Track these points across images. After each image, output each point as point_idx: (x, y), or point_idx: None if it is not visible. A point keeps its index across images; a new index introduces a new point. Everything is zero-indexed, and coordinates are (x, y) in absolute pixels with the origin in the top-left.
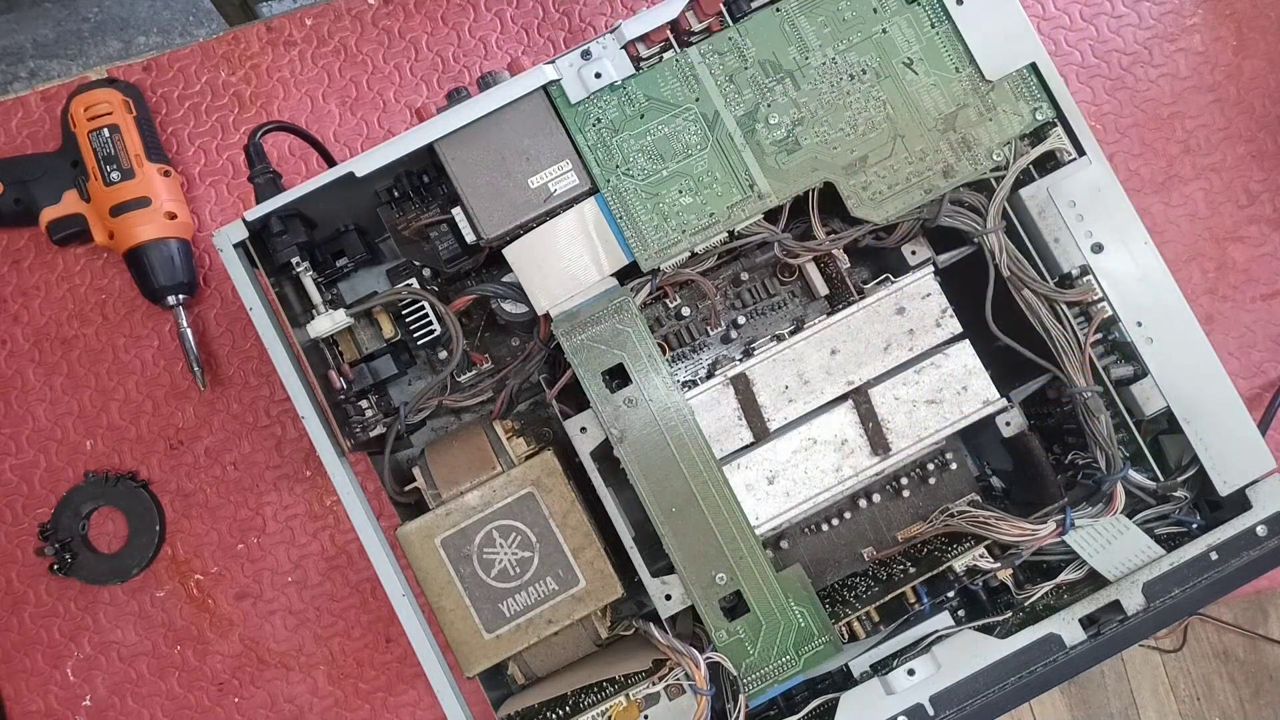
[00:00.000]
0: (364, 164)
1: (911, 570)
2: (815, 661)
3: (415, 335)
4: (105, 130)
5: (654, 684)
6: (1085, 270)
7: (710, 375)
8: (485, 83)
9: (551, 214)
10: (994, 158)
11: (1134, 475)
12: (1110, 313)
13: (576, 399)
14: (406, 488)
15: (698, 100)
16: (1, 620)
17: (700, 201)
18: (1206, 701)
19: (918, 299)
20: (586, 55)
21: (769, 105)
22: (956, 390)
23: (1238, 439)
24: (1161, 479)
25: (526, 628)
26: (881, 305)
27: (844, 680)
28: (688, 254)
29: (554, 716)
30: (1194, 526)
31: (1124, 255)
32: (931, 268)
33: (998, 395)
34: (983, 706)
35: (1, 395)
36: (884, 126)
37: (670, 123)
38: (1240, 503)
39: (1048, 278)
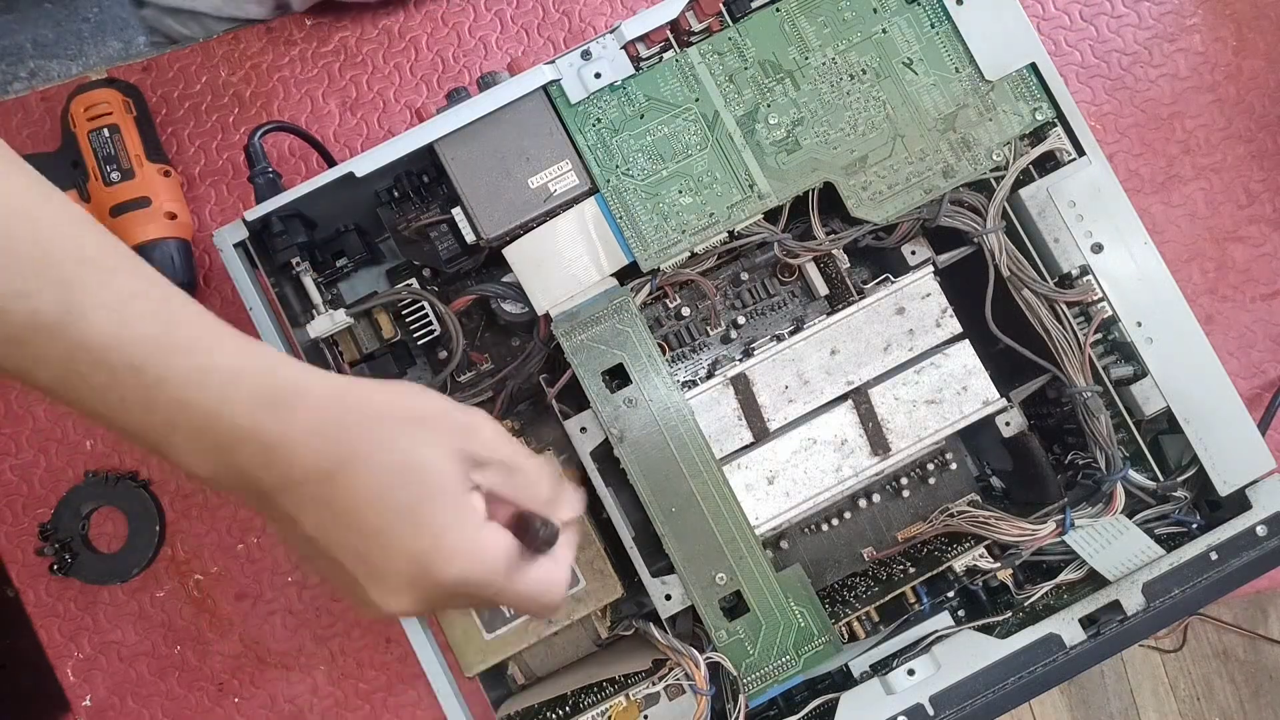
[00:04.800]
0: (364, 164)
1: (911, 570)
2: (815, 661)
3: (415, 335)
4: (105, 130)
5: (654, 684)
6: (1085, 270)
7: (710, 375)
8: (485, 83)
9: (551, 214)
10: (994, 158)
11: (1134, 475)
12: (1110, 313)
13: (576, 399)
14: None
15: (698, 100)
16: None
17: (700, 201)
18: (1206, 701)
19: (918, 299)
20: (586, 55)
21: (769, 105)
22: (956, 390)
23: (1238, 439)
24: (1161, 479)
25: (526, 628)
26: (881, 305)
27: (844, 680)
28: (688, 254)
29: (554, 716)
30: (1194, 526)
31: (1124, 255)
32: (931, 268)
33: (998, 395)
34: (983, 706)
35: (1, 395)
36: (884, 126)
37: (670, 123)
38: (1240, 503)
39: (1048, 278)
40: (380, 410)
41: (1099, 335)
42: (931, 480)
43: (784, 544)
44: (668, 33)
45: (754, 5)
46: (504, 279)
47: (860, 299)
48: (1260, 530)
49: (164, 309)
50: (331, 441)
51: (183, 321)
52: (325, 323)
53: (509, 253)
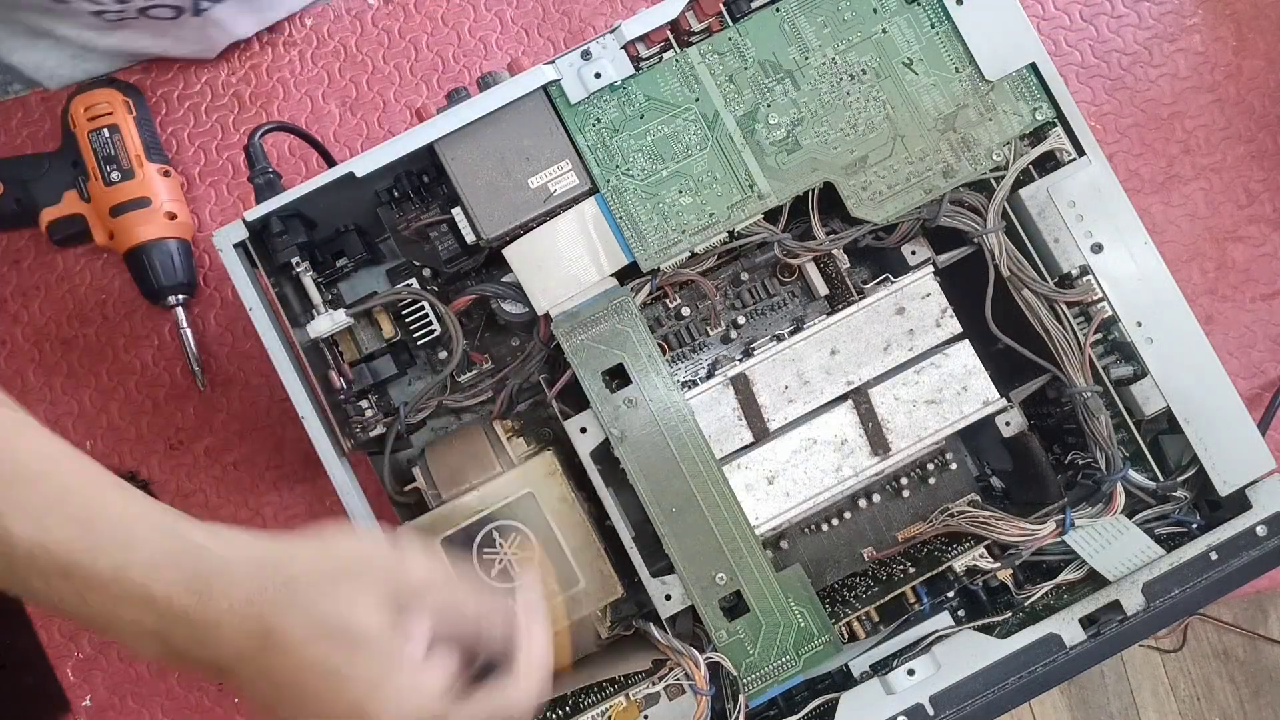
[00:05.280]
0: (364, 164)
1: (911, 570)
2: (815, 661)
3: (415, 335)
4: (105, 130)
5: (654, 684)
6: (1085, 270)
7: (710, 375)
8: (485, 83)
9: (551, 214)
10: (994, 158)
11: (1134, 475)
12: (1110, 313)
13: (576, 399)
14: (406, 488)
15: (698, 100)
16: None
17: (700, 201)
18: (1206, 701)
19: (918, 299)
20: (586, 55)
21: (769, 105)
22: (956, 390)
23: (1237, 439)
24: (1161, 479)
25: None
26: (881, 305)
27: (844, 680)
28: (688, 254)
29: (554, 716)
30: (1194, 526)
31: (1124, 255)
32: (931, 268)
33: (997, 395)
34: (983, 706)
35: None
36: (884, 126)
37: (670, 123)
38: (1240, 503)
39: (1048, 278)
40: (301, 572)
41: (1099, 335)
42: (931, 480)
43: (784, 544)
44: (668, 33)
45: (754, 5)
46: (504, 279)
47: (860, 299)
48: (1260, 530)
49: (85, 510)
50: (254, 617)
51: (103, 519)
52: (325, 323)
53: (509, 253)
